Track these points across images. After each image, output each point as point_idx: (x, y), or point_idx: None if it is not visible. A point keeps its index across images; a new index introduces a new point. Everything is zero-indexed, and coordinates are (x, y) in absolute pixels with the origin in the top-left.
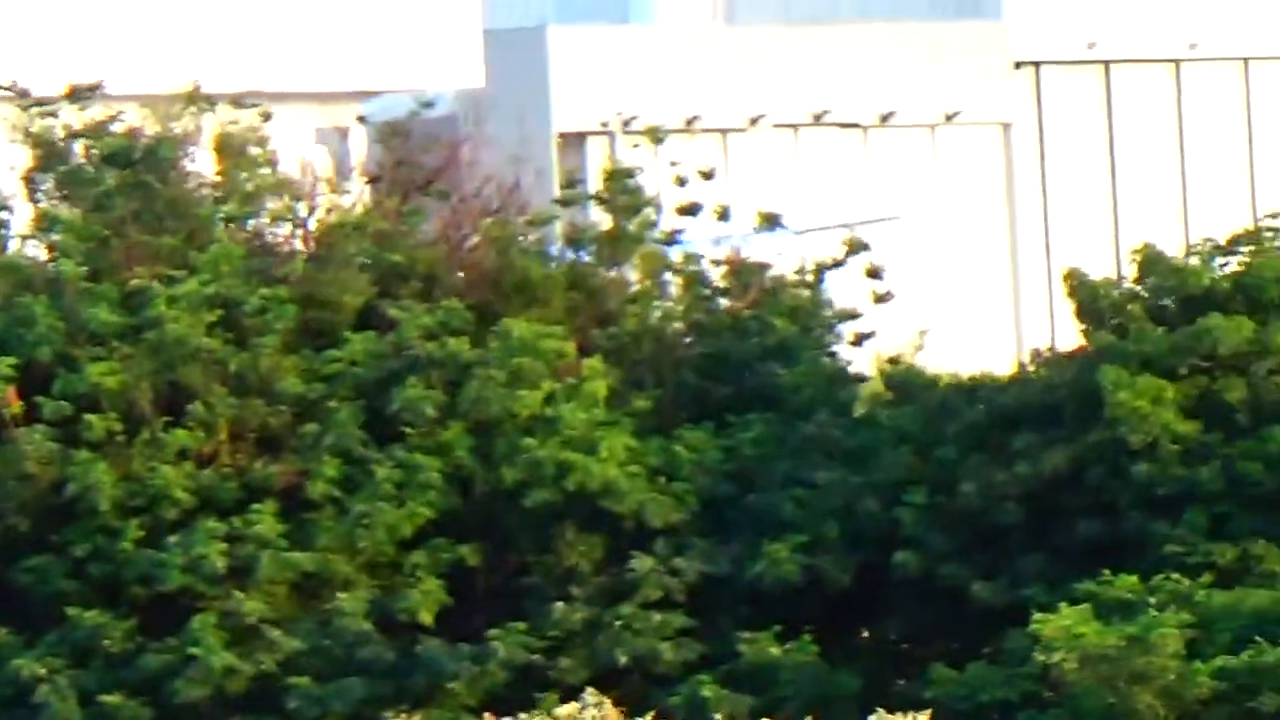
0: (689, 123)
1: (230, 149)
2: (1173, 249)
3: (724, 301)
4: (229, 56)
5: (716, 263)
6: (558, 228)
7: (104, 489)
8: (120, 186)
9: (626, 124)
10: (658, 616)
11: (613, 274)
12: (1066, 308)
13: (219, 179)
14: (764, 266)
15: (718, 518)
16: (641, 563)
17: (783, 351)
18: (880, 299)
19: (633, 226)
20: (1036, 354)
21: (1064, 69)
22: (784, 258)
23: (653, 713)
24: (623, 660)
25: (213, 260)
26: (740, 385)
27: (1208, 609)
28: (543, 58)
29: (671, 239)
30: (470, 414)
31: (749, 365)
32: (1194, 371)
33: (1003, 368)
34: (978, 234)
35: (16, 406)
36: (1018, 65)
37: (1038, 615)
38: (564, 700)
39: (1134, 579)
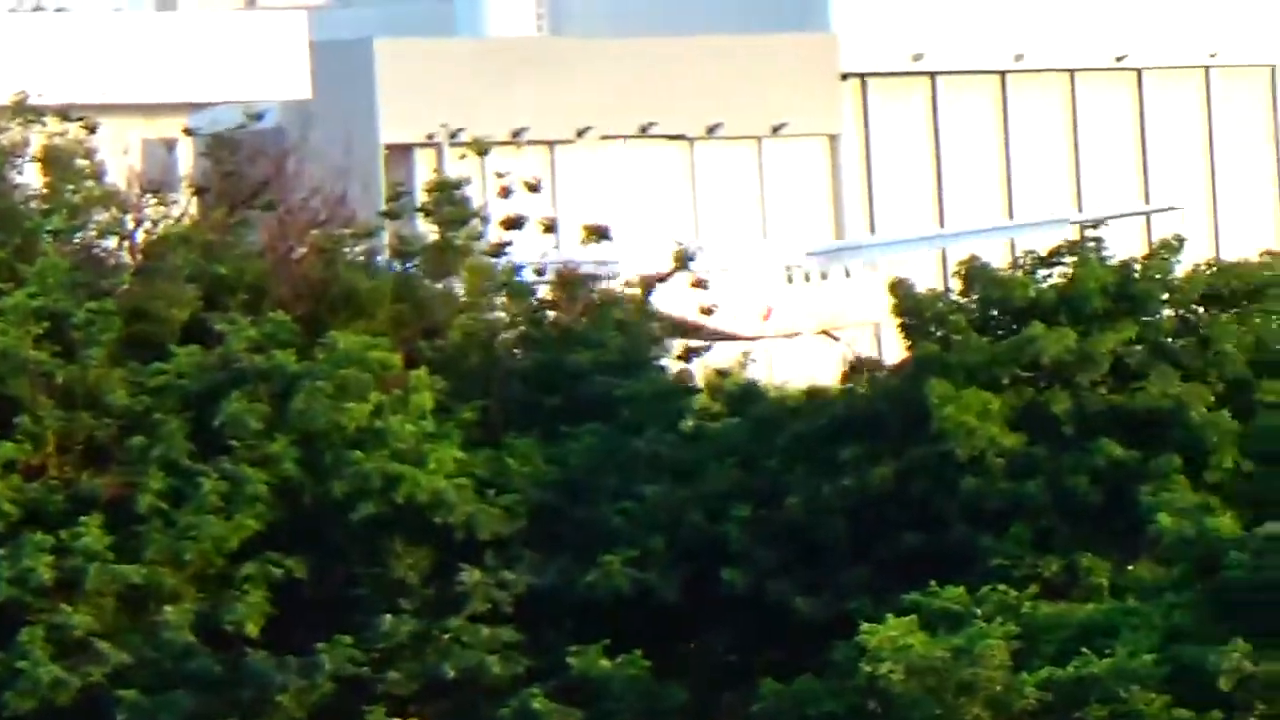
0: (515, 135)
1: (57, 162)
2: (998, 260)
3: (552, 314)
4: (55, 68)
5: (540, 273)
6: (385, 239)
7: None
8: None
9: (453, 136)
10: (486, 630)
11: (439, 286)
12: (892, 319)
13: (46, 191)
14: (592, 279)
15: (546, 530)
16: (470, 575)
17: (615, 364)
18: (706, 311)
19: (459, 239)
20: (855, 364)
21: (890, 81)
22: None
23: None
24: (451, 673)
25: (40, 273)
26: (571, 396)
27: (1034, 620)
28: (369, 70)
29: (499, 251)
30: (297, 426)
31: (580, 376)
32: (1019, 383)
33: (829, 380)
34: (804, 245)
35: None
36: (844, 77)
37: (865, 626)
38: (391, 713)
39: (960, 590)
